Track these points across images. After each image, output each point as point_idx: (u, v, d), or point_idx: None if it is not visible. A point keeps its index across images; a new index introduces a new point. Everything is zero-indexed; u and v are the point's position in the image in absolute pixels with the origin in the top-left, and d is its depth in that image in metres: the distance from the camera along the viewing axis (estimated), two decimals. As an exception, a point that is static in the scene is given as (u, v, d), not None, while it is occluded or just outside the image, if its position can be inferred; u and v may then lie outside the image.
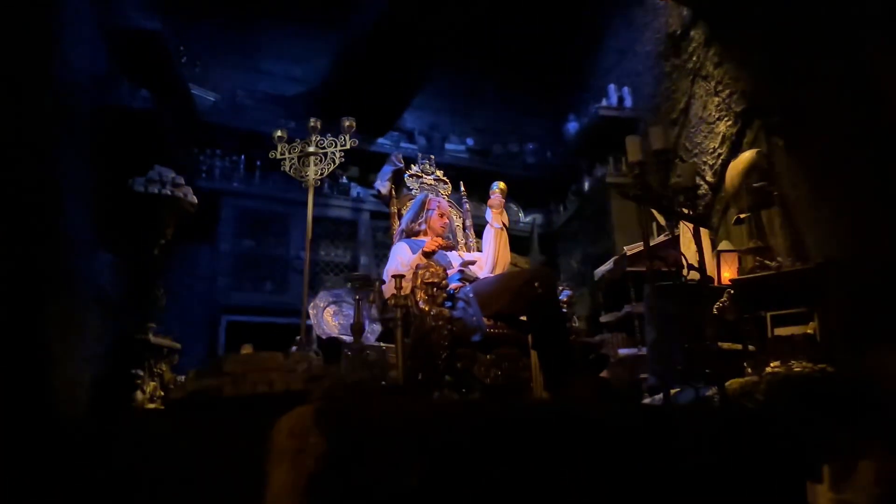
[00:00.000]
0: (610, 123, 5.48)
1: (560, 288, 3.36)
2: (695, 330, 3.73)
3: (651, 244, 4.54)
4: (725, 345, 3.75)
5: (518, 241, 6.38)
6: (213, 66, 5.76)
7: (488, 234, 3.67)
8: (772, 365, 3.30)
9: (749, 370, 3.41)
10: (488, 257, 3.62)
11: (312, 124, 3.60)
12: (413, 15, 5.11)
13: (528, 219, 6.48)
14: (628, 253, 4.60)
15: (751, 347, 3.63)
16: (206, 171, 5.25)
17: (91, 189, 3.92)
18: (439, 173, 4.19)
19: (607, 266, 4.80)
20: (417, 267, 3.05)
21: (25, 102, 3.34)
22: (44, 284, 2.89)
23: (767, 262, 3.67)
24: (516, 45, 6.70)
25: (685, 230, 4.37)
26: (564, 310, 3.29)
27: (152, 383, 2.60)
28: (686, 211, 3.37)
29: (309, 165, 3.49)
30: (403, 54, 5.37)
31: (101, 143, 3.99)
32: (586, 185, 5.72)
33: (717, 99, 4.59)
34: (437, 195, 4.03)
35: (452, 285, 3.26)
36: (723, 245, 4.16)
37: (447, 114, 6.68)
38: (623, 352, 4.06)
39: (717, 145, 4.59)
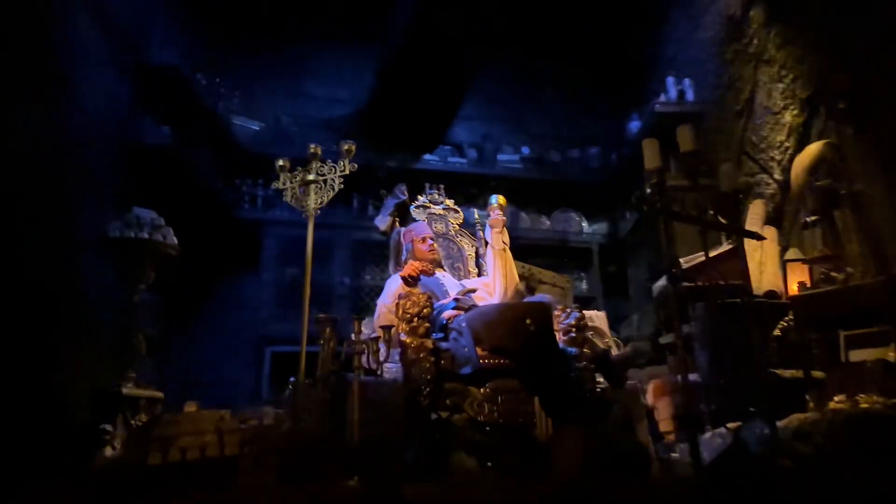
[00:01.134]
0: (671, 120, 4.97)
1: (568, 311, 2.98)
2: (752, 354, 3.25)
3: (712, 255, 4.07)
4: (788, 372, 3.23)
5: (581, 254, 5.98)
6: (258, 94, 5.75)
7: (489, 256, 3.36)
8: (836, 399, 2.77)
9: (811, 404, 2.89)
10: (495, 283, 3.30)
11: (312, 150, 3.42)
12: (447, 19, 4.87)
13: (591, 229, 6.04)
14: (685, 265, 4.12)
15: (817, 374, 3.09)
16: (249, 200, 5.22)
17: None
18: (449, 202, 3.90)
19: (663, 281, 4.32)
20: (399, 296, 2.78)
21: (40, 147, 3.38)
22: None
23: (834, 273, 3.13)
24: (572, 43, 6.28)
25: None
26: (573, 334, 2.91)
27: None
28: (722, 219, 2.91)
29: (309, 194, 3.31)
30: (440, 61, 5.13)
31: (121, 181, 4.02)
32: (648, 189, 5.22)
33: (781, 85, 4.03)
34: (446, 226, 3.76)
35: (446, 314, 2.98)
36: (791, 253, 3.61)
37: (501, 122, 6.36)
38: (668, 377, 3.60)
39: (783, 138, 4.02)
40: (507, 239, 3.44)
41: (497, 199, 3.48)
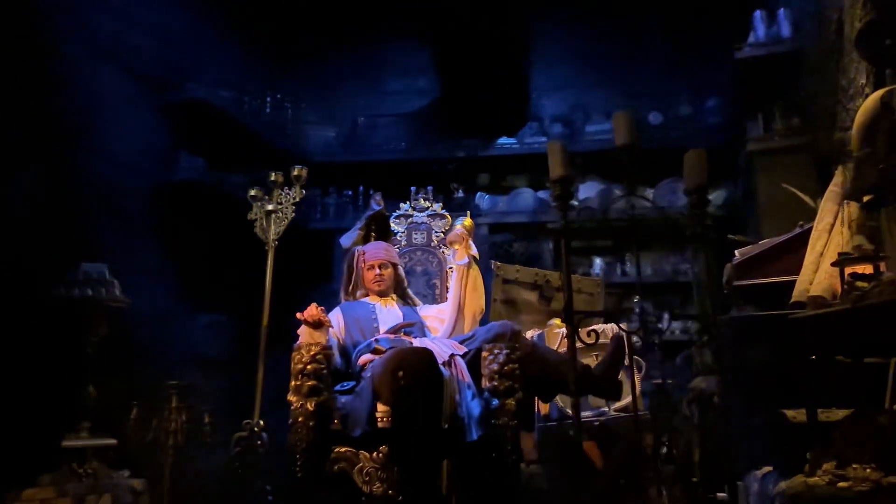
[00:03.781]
0: (763, 64, 4.01)
1: (496, 351, 2.45)
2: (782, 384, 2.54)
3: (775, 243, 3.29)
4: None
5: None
6: (340, 98, 5.78)
7: (452, 276, 2.96)
8: (824, 468, 2.03)
9: (807, 467, 2.15)
10: (448, 307, 2.90)
11: (273, 178, 3.30)
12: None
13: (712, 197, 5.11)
14: (738, 258, 3.32)
15: (832, 417, 2.28)
16: (321, 210, 5.28)
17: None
18: (437, 207, 3.45)
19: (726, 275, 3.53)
20: (293, 347, 2.54)
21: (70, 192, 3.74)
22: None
23: (860, 282, 2.27)
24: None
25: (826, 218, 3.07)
26: (495, 383, 2.41)
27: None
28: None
29: (270, 225, 3.20)
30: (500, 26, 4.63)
31: (158, 217, 4.30)
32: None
33: (857, 10, 2.99)
34: (428, 235, 3.38)
35: (360, 360, 2.67)
36: (854, 242, 2.68)
37: (595, 87, 5.64)
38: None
39: (864, 81, 3.01)
40: (474, 252, 3.01)
41: (462, 223, 3.03)
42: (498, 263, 3.62)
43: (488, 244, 5.07)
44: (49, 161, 3.68)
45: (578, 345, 2.26)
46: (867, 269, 2.36)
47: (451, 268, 3.29)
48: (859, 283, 2.23)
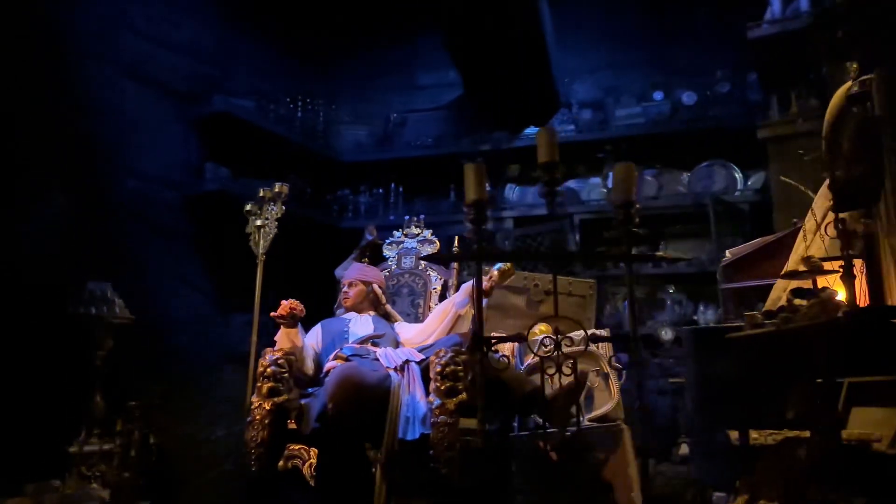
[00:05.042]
0: (776, 43, 3.73)
1: (442, 354, 2.50)
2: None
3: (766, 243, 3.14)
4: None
5: (730, 216, 4.85)
6: (374, 97, 5.87)
7: (444, 308, 3.00)
8: (737, 502, 1.94)
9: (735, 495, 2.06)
10: (420, 333, 2.96)
11: (261, 195, 3.43)
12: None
13: (748, 183, 4.84)
14: (730, 257, 3.15)
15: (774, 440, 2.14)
16: (353, 208, 5.42)
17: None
18: (427, 234, 3.61)
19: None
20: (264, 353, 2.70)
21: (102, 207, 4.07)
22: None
23: (800, 300, 2.12)
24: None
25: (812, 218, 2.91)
26: (437, 383, 2.48)
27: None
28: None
29: (260, 239, 3.35)
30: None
31: (188, 227, 4.57)
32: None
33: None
34: (416, 258, 3.46)
35: (326, 366, 2.79)
36: (811, 251, 2.49)
37: (625, 69, 5.40)
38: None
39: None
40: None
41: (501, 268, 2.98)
42: (486, 268, 3.61)
43: (512, 238, 5.04)
44: (81, 180, 4.01)
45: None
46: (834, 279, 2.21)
47: (435, 288, 3.38)
48: (797, 302, 2.10)
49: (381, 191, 5.42)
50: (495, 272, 2.90)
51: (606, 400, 3.05)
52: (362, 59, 5.85)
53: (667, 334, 4.52)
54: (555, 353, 2.21)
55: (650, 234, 5.14)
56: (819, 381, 1.93)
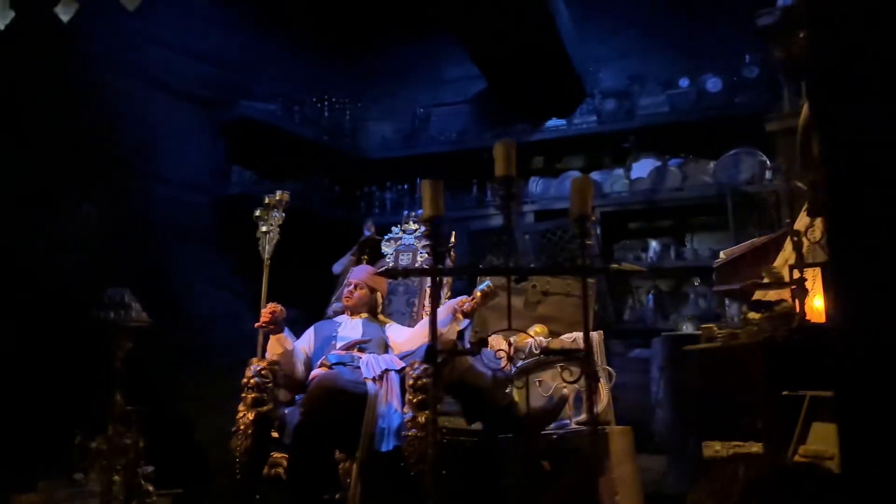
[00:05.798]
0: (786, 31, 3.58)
1: (416, 365, 2.59)
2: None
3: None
4: (718, 446, 2.24)
5: (761, 207, 4.68)
6: (401, 93, 5.94)
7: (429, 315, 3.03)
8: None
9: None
10: (412, 336, 3.01)
11: (267, 201, 3.55)
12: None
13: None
14: (724, 258, 3.08)
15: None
16: (379, 204, 5.52)
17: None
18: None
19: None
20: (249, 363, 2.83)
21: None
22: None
23: (753, 314, 2.09)
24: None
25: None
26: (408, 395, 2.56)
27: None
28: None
29: (265, 245, 3.49)
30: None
31: (216, 229, 4.78)
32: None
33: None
34: (413, 257, 3.49)
35: (312, 374, 2.87)
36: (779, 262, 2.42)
37: (654, 53, 5.27)
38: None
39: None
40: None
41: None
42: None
43: (533, 232, 5.03)
44: (112, 189, 4.27)
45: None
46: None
47: (430, 286, 3.40)
48: (751, 315, 2.07)
49: (406, 186, 5.50)
50: (478, 293, 2.90)
51: (596, 403, 3.05)
52: (389, 55, 5.91)
53: (687, 329, 4.45)
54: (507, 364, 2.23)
55: (674, 226, 5.06)
56: (767, 395, 1.90)
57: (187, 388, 4.40)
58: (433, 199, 2.27)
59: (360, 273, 3.30)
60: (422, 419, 2.54)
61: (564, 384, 2.87)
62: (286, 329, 2.94)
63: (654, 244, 4.87)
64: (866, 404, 1.19)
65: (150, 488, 3.39)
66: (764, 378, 1.80)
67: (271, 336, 2.91)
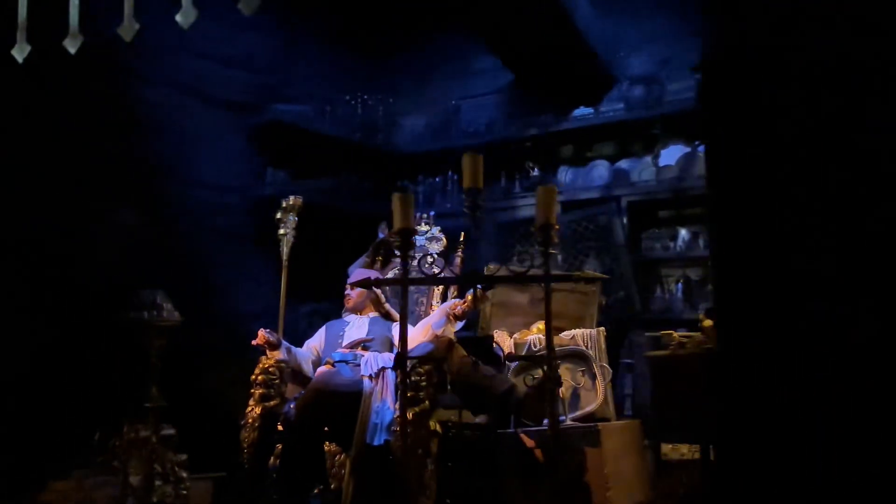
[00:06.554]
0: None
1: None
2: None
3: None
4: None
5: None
6: (434, 85, 6.01)
7: (426, 324, 3.15)
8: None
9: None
10: (413, 335, 3.11)
11: (283, 205, 3.73)
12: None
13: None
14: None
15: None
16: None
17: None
18: (436, 231, 3.71)
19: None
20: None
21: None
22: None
23: (675, 335, 2.10)
24: None
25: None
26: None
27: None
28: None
29: (283, 246, 3.67)
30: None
31: (253, 229, 5.02)
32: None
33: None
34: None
35: (317, 371, 3.05)
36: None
37: (684, 36, 5.11)
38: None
39: None
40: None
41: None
42: (491, 266, 3.69)
43: (561, 224, 5.02)
44: (152, 195, 4.56)
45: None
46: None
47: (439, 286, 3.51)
48: (706, 323, 2.10)
49: (438, 180, 5.58)
50: (468, 296, 2.98)
51: (592, 400, 3.09)
52: (420, 49, 5.96)
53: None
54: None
55: (704, 214, 4.95)
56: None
57: (229, 380, 4.68)
58: (404, 212, 2.37)
59: (353, 276, 3.48)
60: (410, 415, 2.67)
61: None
62: (283, 343, 3.11)
63: (682, 232, 4.81)
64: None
65: (184, 475, 3.67)
66: (705, 387, 1.82)
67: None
